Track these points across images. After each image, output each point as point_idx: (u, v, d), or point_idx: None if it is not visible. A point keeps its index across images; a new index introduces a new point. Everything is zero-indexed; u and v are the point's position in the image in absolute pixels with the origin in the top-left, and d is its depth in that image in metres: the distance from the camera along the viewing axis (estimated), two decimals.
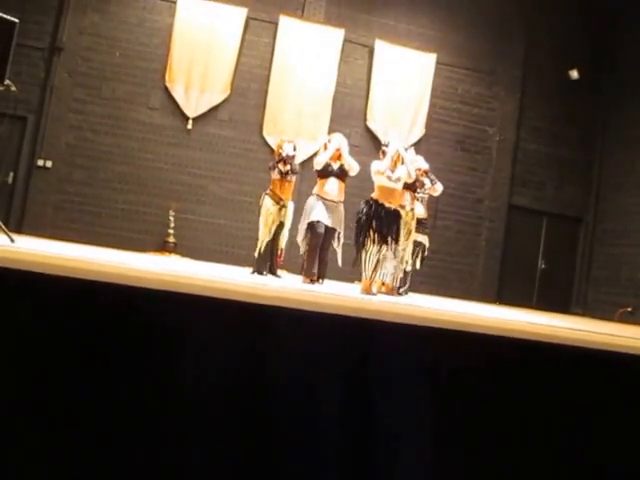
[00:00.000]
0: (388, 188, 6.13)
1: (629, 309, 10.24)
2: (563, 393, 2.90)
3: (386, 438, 2.67)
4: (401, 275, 6.94)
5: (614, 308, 10.43)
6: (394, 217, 6.14)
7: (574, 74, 11.57)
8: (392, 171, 6.18)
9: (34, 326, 2.30)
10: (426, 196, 7.45)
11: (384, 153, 6.36)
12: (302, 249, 6.56)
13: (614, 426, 2.96)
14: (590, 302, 11.61)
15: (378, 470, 2.67)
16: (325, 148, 6.55)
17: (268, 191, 6.82)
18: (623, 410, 2.97)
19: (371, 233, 5.97)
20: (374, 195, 6.17)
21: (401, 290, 7.02)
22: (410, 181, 6.54)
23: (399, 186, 6.26)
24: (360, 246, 6.05)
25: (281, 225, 6.79)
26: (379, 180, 6.18)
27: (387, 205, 6.08)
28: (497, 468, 2.84)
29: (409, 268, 7.10)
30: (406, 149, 6.79)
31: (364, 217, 6.03)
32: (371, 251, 5.97)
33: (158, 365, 2.44)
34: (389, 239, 6.05)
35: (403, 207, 6.49)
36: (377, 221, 5.99)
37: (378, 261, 6.01)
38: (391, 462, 2.68)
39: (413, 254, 7.13)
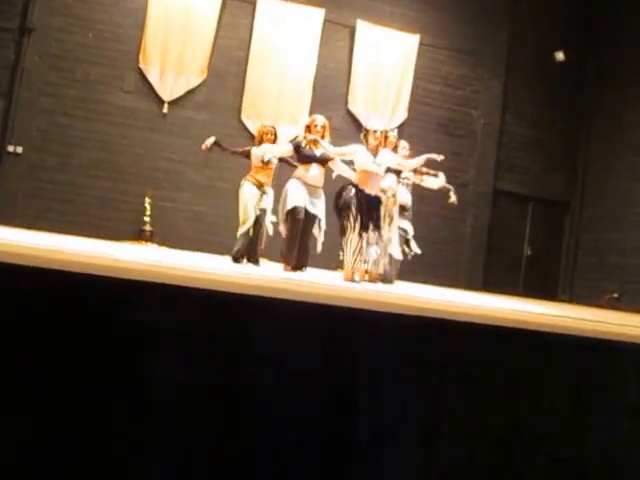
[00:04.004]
0: (369, 173, 5.93)
1: (615, 295, 10.24)
2: (549, 380, 2.90)
3: (373, 429, 2.64)
4: (386, 261, 6.73)
5: (600, 294, 10.39)
6: (375, 203, 5.96)
7: (560, 55, 11.47)
8: (374, 155, 5.98)
9: (4, 318, 2.21)
10: (410, 182, 7.27)
11: (366, 137, 6.11)
12: (283, 233, 6.36)
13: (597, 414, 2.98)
14: (576, 288, 11.60)
15: (364, 462, 2.64)
16: (307, 130, 6.28)
17: (248, 176, 6.60)
18: (606, 396, 2.99)
19: (351, 220, 5.79)
20: (354, 180, 5.98)
21: (385, 277, 6.81)
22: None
23: (381, 171, 6.07)
24: (341, 233, 5.86)
25: (262, 212, 6.58)
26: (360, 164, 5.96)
27: (368, 191, 5.88)
28: (487, 458, 2.83)
29: (398, 256, 6.89)
30: (389, 132, 6.62)
31: (343, 203, 5.85)
32: (351, 238, 5.79)
33: (138, 359, 2.37)
34: (370, 226, 5.87)
35: (384, 192, 6.29)
36: (357, 207, 5.80)
37: (360, 248, 5.82)
38: (378, 454, 2.66)
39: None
